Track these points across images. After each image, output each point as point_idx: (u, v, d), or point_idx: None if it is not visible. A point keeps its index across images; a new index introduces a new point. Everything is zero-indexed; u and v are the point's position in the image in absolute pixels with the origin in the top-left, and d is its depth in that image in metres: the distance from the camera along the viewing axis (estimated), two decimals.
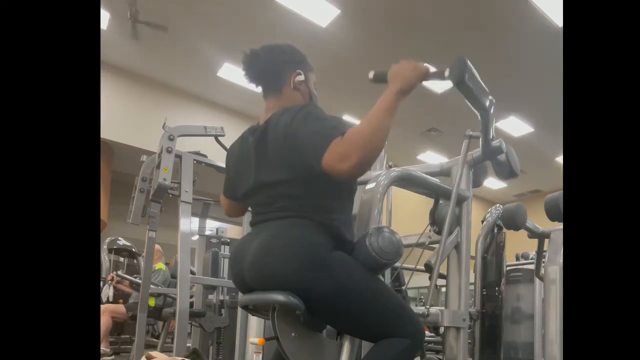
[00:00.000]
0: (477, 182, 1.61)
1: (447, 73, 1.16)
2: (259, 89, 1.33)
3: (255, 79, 1.30)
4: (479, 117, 1.33)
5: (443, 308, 1.46)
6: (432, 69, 1.18)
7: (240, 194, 1.31)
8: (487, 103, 1.27)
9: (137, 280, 4.26)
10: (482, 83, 1.22)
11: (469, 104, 1.25)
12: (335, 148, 1.03)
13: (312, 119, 1.12)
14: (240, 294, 1.29)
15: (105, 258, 5.37)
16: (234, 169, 1.34)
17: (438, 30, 5.52)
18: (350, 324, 1.14)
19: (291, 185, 1.16)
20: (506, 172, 1.53)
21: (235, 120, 7.45)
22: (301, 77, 1.28)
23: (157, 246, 3.98)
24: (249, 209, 1.35)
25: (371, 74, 1.24)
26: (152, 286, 3.69)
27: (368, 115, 1.07)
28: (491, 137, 1.41)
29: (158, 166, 2.69)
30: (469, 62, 1.16)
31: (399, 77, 1.13)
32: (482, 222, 2.16)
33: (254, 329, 2.08)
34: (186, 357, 1.88)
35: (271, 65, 1.27)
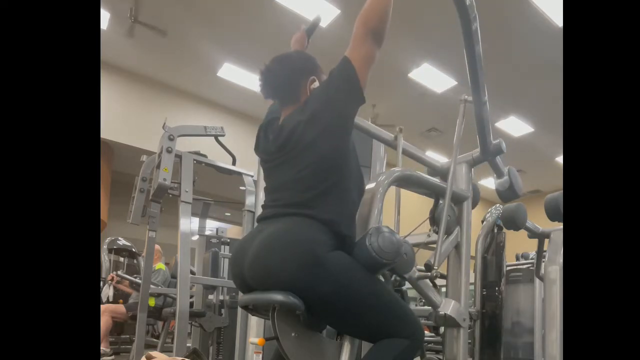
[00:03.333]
0: (474, 204, 1.61)
1: None
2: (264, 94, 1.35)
3: (273, 94, 1.32)
4: (462, 30, 1.25)
5: (445, 297, 1.46)
6: None
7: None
8: (472, 13, 1.21)
9: (137, 280, 4.26)
10: None
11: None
12: (359, 30, 1.16)
13: (323, 82, 1.22)
14: (240, 294, 1.29)
15: (105, 258, 5.36)
16: (262, 160, 1.37)
17: (438, 30, 5.52)
18: (350, 324, 1.14)
19: (301, 180, 1.17)
20: (507, 191, 1.54)
21: (235, 120, 7.44)
22: (316, 84, 1.31)
23: (156, 246, 3.98)
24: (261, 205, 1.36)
25: None
26: (152, 286, 3.69)
27: None
28: (483, 94, 1.34)
29: (158, 166, 2.69)
30: None
31: None
32: (482, 222, 2.16)
33: (254, 329, 2.08)
34: (186, 357, 1.88)
35: (287, 78, 1.29)
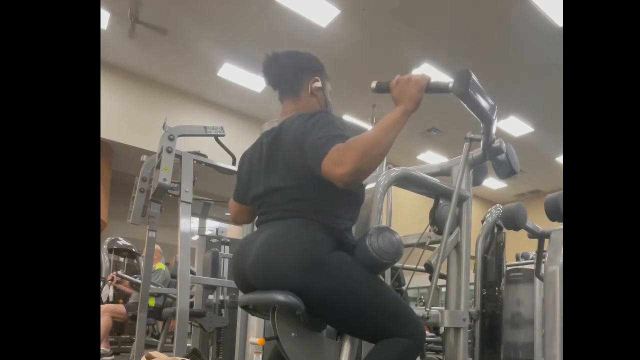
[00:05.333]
0: (477, 181, 1.61)
1: (450, 85, 1.18)
2: (275, 93, 1.35)
3: (274, 81, 1.32)
4: (481, 124, 1.34)
5: (443, 308, 1.46)
6: (434, 81, 1.19)
7: (250, 198, 1.32)
8: (490, 112, 1.27)
9: (137, 280, 4.26)
10: (486, 94, 1.23)
11: (472, 113, 1.25)
12: (333, 153, 1.04)
13: (321, 124, 1.14)
14: (240, 294, 1.29)
15: (105, 258, 5.37)
16: (246, 172, 1.35)
17: (438, 31, 5.52)
18: (350, 324, 1.14)
19: (298, 189, 1.16)
20: (506, 170, 1.53)
21: (235, 120, 7.45)
22: (318, 84, 1.31)
23: (156, 246, 3.98)
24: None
25: (373, 84, 1.26)
26: (152, 286, 3.69)
27: (373, 128, 1.08)
28: (492, 140, 1.42)
29: (158, 166, 2.69)
30: (472, 74, 1.18)
31: (405, 97, 1.15)
32: (482, 222, 2.16)
33: (254, 329, 2.08)
34: (186, 357, 1.88)
35: (290, 69, 1.30)
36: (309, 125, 1.14)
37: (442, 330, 1.48)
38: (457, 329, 1.43)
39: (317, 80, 1.30)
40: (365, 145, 1.03)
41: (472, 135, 1.44)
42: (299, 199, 1.16)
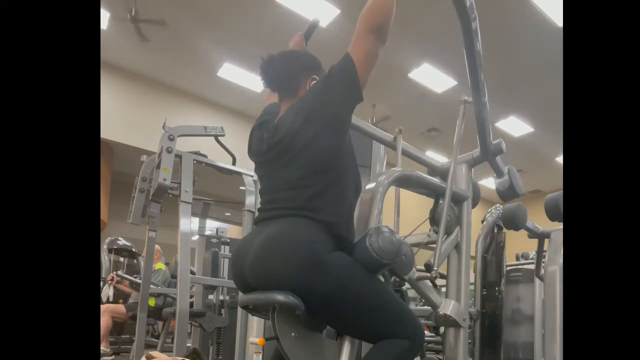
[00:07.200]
0: (474, 202, 1.60)
1: None
2: (264, 89, 1.35)
3: (271, 84, 1.33)
4: (462, 29, 1.23)
5: (445, 299, 1.46)
6: None
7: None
8: (472, 13, 1.18)
9: (137, 280, 4.26)
10: None
11: None
12: (358, 35, 1.14)
13: (322, 79, 1.22)
14: (240, 294, 1.29)
15: (105, 258, 5.37)
16: (256, 163, 1.36)
17: (438, 30, 5.52)
18: (350, 325, 1.14)
19: (298, 180, 1.17)
20: (506, 186, 1.54)
21: (235, 120, 7.45)
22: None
23: (156, 246, 3.98)
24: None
25: None
26: (152, 286, 3.69)
27: None
28: (480, 71, 1.32)
29: (158, 166, 2.69)
30: None
31: None
32: (482, 222, 2.16)
33: (254, 329, 2.08)
34: (186, 357, 1.88)
35: (287, 70, 1.30)
36: (309, 100, 1.19)
37: (442, 330, 1.48)
38: (457, 329, 1.42)
39: (315, 79, 1.30)
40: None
41: (466, 98, 1.42)
42: (295, 191, 1.17)
